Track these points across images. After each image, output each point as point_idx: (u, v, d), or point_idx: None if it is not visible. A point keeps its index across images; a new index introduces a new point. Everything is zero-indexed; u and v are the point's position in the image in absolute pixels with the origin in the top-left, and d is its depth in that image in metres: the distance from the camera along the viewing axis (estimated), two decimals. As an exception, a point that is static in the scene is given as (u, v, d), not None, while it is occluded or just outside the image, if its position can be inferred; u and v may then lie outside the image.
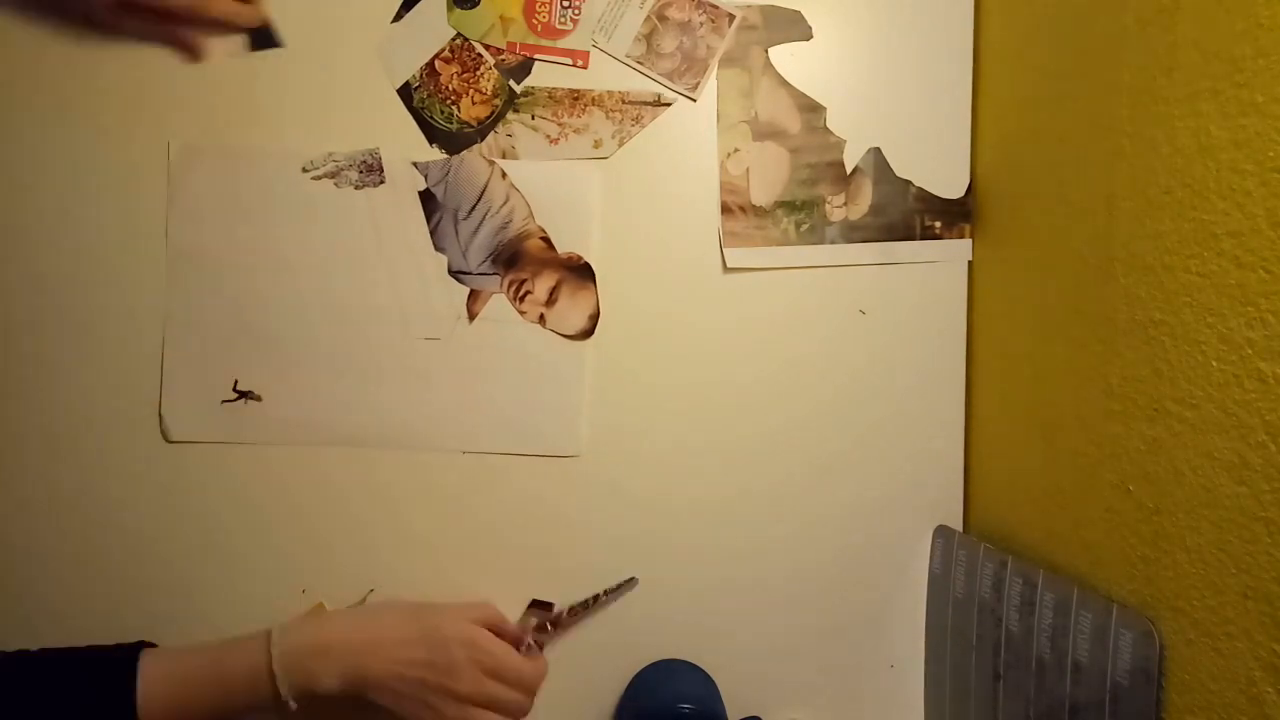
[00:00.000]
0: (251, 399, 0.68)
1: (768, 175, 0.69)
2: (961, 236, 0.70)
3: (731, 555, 0.72)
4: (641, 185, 0.69)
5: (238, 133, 0.68)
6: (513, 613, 0.69)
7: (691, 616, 0.72)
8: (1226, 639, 0.44)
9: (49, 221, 0.67)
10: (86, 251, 0.67)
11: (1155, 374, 0.49)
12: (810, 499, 0.72)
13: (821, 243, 0.69)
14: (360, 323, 0.68)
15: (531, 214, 0.68)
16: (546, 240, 0.68)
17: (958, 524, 0.72)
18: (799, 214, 0.69)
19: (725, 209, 0.69)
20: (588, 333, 0.69)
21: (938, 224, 0.70)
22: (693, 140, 0.69)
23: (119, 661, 0.56)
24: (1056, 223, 0.60)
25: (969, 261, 0.71)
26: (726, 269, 0.70)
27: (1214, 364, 0.45)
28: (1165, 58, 0.48)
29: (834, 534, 0.72)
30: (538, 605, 0.71)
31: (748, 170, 0.69)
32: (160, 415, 0.68)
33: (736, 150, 0.69)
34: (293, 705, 0.58)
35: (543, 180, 0.68)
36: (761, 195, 0.69)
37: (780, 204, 0.69)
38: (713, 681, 0.71)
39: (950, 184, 0.69)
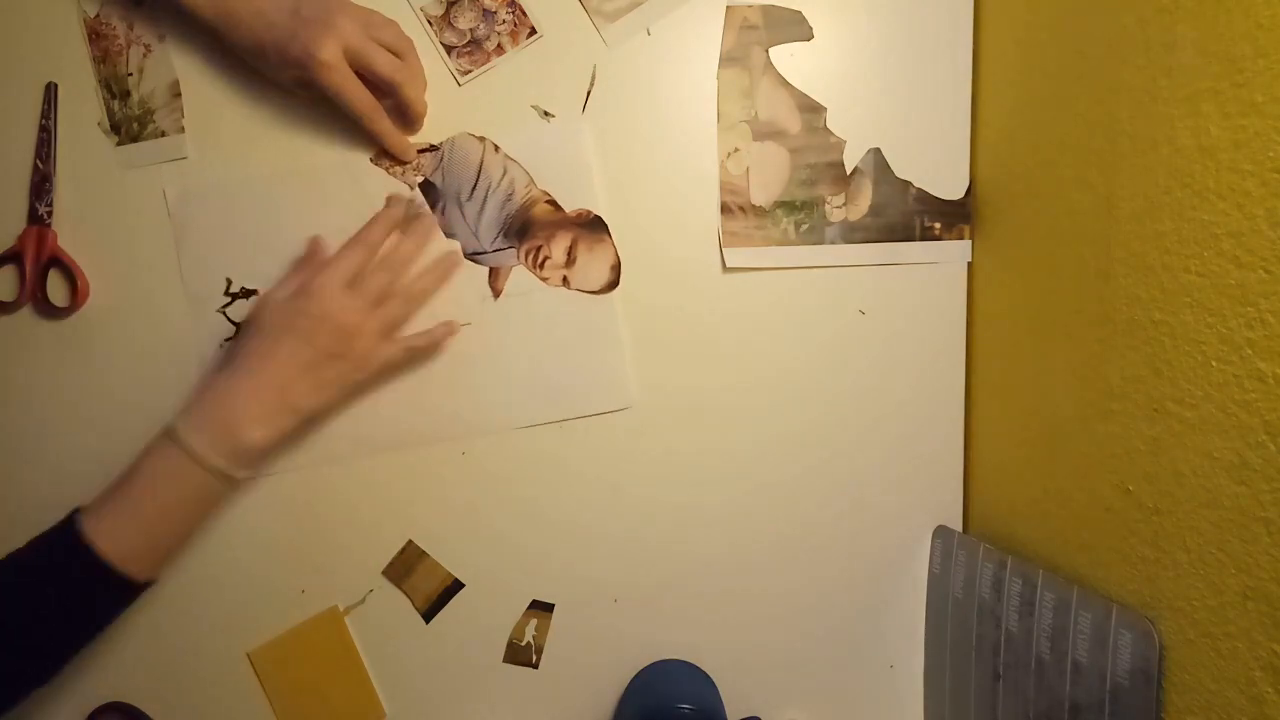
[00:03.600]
0: None
1: (768, 175, 0.69)
2: (961, 238, 0.70)
3: (731, 556, 0.72)
4: (641, 182, 0.69)
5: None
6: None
7: (691, 617, 0.72)
8: (1226, 639, 0.44)
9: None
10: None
11: (1155, 374, 0.49)
12: (809, 499, 0.72)
13: (821, 243, 0.69)
14: None
15: (532, 180, 0.68)
16: (553, 203, 0.68)
17: (958, 524, 0.72)
18: (799, 214, 0.69)
19: (725, 209, 0.69)
20: (613, 284, 0.69)
21: (937, 225, 0.70)
22: (693, 140, 0.69)
23: (61, 529, 0.57)
24: (1056, 223, 0.60)
25: (969, 262, 0.71)
26: (726, 269, 0.70)
27: (1214, 364, 0.45)
28: (1165, 58, 0.48)
29: (834, 534, 0.72)
30: (537, 606, 0.71)
31: (748, 170, 0.69)
32: None
33: (736, 150, 0.69)
34: (238, 475, 0.60)
35: (534, 145, 0.68)
36: (761, 195, 0.69)
37: (780, 204, 0.69)
38: (712, 681, 0.71)
39: (950, 185, 0.69)
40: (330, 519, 0.69)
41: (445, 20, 0.67)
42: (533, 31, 0.67)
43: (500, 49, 0.67)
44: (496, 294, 0.68)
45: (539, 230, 0.68)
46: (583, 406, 0.70)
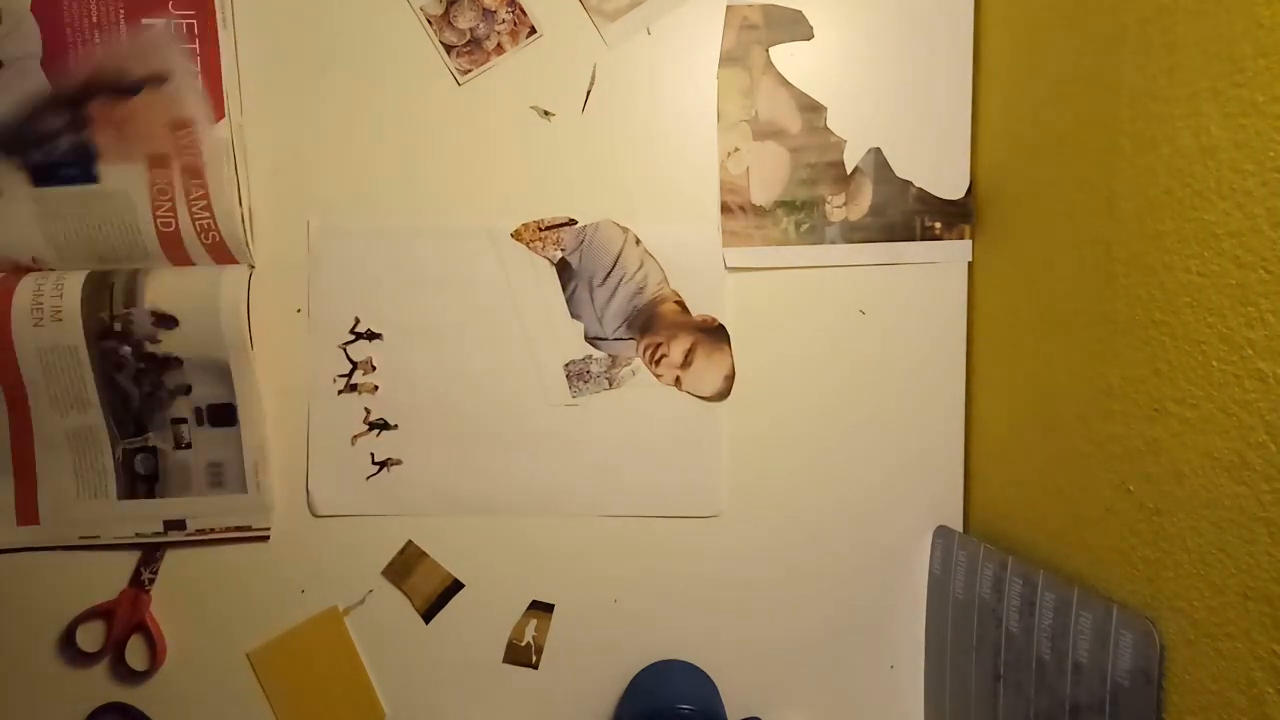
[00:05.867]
0: (392, 464, 0.69)
1: (768, 175, 0.69)
2: (961, 237, 0.70)
3: (731, 556, 0.72)
4: (641, 182, 0.69)
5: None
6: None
7: (691, 617, 0.72)
8: (1227, 639, 0.44)
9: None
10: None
11: (1155, 374, 0.49)
12: (810, 499, 0.72)
13: (821, 243, 0.69)
14: (500, 391, 0.69)
15: (665, 278, 0.69)
16: (681, 304, 0.69)
17: (958, 524, 0.72)
18: (799, 214, 0.69)
19: (725, 208, 0.69)
20: (724, 394, 0.70)
21: (938, 225, 0.70)
22: (693, 139, 0.69)
23: None
24: (1056, 223, 0.60)
25: (969, 262, 0.71)
26: (726, 268, 0.70)
27: (1214, 364, 0.45)
28: (1165, 58, 0.48)
29: (834, 534, 0.72)
30: (537, 606, 0.71)
31: (748, 170, 0.69)
32: (307, 490, 0.68)
33: (736, 149, 0.69)
34: None
35: (675, 245, 0.69)
36: (761, 195, 0.69)
37: (780, 204, 0.69)
38: (713, 681, 0.71)
39: (950, 184, 0.69)
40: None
41: (445, 20, 0.67)
42: (532, 31, 0.67)
43: (500, 48, 0.67)
44: (610, 381, 0.69)
45: (662, 328, 0.69)
46: (670, 507, 0.71)
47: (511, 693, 0.71)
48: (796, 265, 0.70)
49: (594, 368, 0.68)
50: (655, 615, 0.72)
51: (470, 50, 0.67)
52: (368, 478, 0.69)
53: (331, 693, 0.70)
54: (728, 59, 0.68)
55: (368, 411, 0.69)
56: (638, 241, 0.69)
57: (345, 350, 0.69)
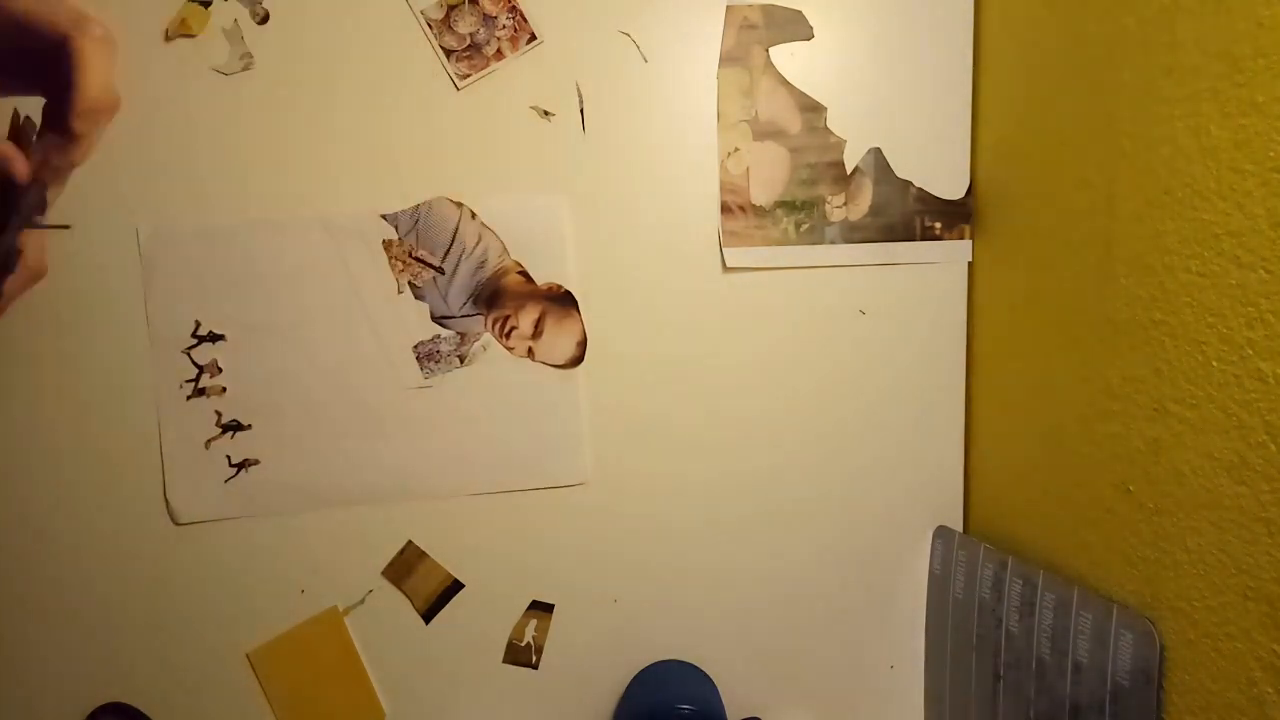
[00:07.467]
0: (250, 464, 0.68)
1: (768, 175, 0.69)
2: (961, 237, 0.70)
3: (731, 556, 0.72)
4: (643, 183, 0.69)
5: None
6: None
7: (691, 617, 0.72)
8: (1226, 639, 0.44)
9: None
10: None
11: (1155, 374, 0.49)
12: (810, 500, 0.72)
13: (821, 243, 0.69)
14: (351, 380, 0.68)
15: (506, 250, 0.68)
16: (524, 274, 0.68)
17: (958, 524, 0.72)
18: (799, 214, 0.69)
19: (725, 208, 0.69)
20: (578, 360, 0.69)
21: (938, 225, 0.70)
22: (693, 139, 0.69)
23: None
24: (1056, 223, 0.60)
25: (969, 262, 0.71)
26: (726, 269, 0.70)
27: (1214, 364, 0.45)
28: (1165, 58, 0.48)
29: (834, 535, 0.72)
30: (537, 606, 0.71)
31: (748, 170, 0.69)
32: (166, 499, 0.68)
33: (736, 150, 0.69)
34: None
35: (513, 215, 0.68)
36: (761, 195, 0.69)
37: (780, 204, 0.69)
38: (713, 681, 0.71)
39: (950, 184, 0.69)
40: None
41: (445, 24, 0.67)
42: (533, 37, 0.67)
43: (500, 54, 0.67)
44: (461, 359, 0.68)
45: (509, 300, 0.68)
46: (535, 478, 0.70)
47: (511, 693, 0.71)
48: (796, 265, 0.70)
49: (443, 347, 0.68)
50: (655, 615, 0.72)
51: (470, 55, 0.67)
52: (226, 481, 0.68)
53: (331, 693, 0.70)
54: (728, 59, 0.68)
55: (219, 414, 0.67)
56: (474, 215, 0.68)
57: (189, 355, 0.67)
